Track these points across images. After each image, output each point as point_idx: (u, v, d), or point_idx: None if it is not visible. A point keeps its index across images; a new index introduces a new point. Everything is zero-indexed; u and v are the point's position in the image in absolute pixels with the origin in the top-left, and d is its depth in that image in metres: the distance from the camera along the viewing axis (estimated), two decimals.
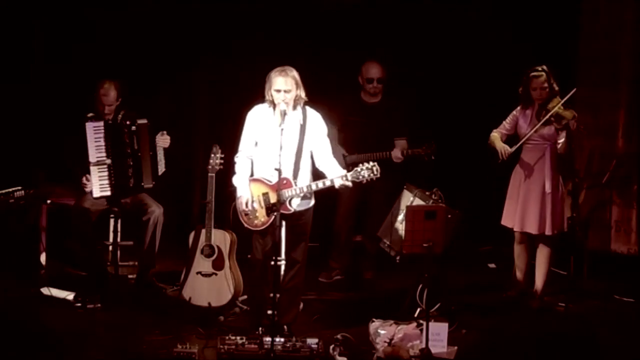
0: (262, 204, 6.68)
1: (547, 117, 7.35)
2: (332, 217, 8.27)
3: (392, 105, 8.04)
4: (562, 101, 7.35)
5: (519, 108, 7.60)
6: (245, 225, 6.77)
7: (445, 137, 9.06)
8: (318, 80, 8.01)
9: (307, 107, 6.72)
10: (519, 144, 7.46)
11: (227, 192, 7.50)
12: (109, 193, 7.67)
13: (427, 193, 7.33)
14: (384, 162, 7.69)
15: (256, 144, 6.74)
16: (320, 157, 6.72)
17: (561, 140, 7.44)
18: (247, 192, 6.68)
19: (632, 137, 8.74)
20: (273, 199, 6.62)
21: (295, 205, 6.66)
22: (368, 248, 8.23)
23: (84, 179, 7.63)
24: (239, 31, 9.14)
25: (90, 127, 7.64)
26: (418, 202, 7.32)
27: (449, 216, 6.91)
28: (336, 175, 6.61)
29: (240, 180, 6.74)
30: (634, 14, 8.68)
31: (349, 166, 7.70)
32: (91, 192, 7.63)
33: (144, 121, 7.71)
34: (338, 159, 6.95)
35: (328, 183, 6.61)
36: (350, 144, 8.05)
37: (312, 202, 6.76)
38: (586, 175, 8.71)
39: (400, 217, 7.35)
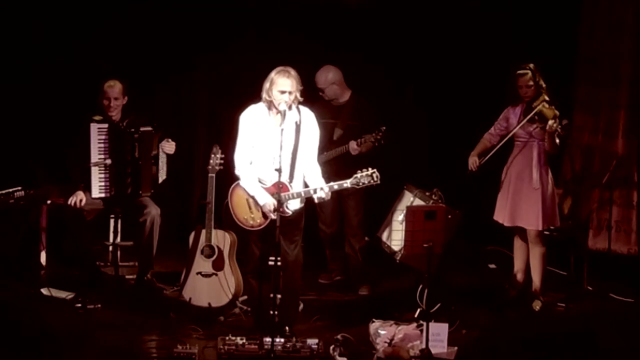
0: (258, 206, 6.68)
1: (530, 115, 7.39)
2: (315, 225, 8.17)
3: (359, 104, 8.01)
4: (544, 101, 7.37)
5: (508, 107, 7.66)
6: (239, 224, 6.77)
7: (446, 136, 9.09)
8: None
9: (301, 106, 6.72)
10: (491, 153, 7.53)
11: (226, 192, 7.50)
12: (107, 195, 7.66)
13: (427, 193, 7.33)
14: (348, 156, 7.78)
15: (252, 146, 6.73)
16: (305, 159, 6.70)
17: (547, 139, 7.46)
18: (269, 197, 6.61)
19: (632, 137, 8.74)
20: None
21: (292, 207, 6.66)
22: (352, 261, 8.09)
23: (71, 198, 7.60)
24: (239, 31, 9.14)
25: (94, 128, 7.64)
26: (418, 202, 7.32)
27: (449, 216, 6.91)
28: (316, 181, 6.62)
29: (254, 189, 6.66)
30: (634, 14, 8.68)
31: (322, 165, 7.69)
32: (90, 192, 7.63)
33: (148, 129, 7.69)
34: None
35: (327, 189, 6.57)
36: (324, 145, 8.05)
37: (303, 202, 6.75)
38: (584, 175, 8.72)
39: (400, 217, 7.34)
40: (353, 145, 7.81)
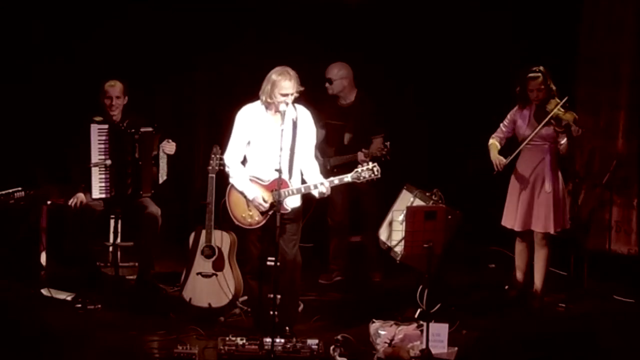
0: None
1: (547, 119, 7.36)
2: (324, 221, 8.30)
3: (364, 105, 8.10)
4: (560, 104, 7.35)
5: (515, 108, 7.61)
6: (237, 223, 6.77)
7: (446, 136, 9.09)
8: (317, 81, 8.08)
9: (297, 104, 6.72)
10: (517, 152, 7.47)
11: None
12: (107, 195, 7.65)
13: (427, 194, 7.32)
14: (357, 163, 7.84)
15: (249, 143, 6.73)
16: (303, 156, 6.71)
17: (563, 142, 7.44)
18: (257, 191, 6.65)
19: (632, 137, 8.74)
20: (268, 198, 6.62)
21: (290, 204, 6.66)
22: (369, 250, 8.25)
23: (71, 200, 7.60)
24: (239, 31, 9.15)
25: (94, 128, 7.63)
26: (418, 202, 7.31)
27: (449, 216, 6.91)
28: (314, 178, 6.64)
29: (243, 183, 6.69)
30: (634, 14, 8.68)
31: (333, 168, 7.79)
32: (90, 193, 7.62)
33: (149, 129, 7.69)
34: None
35: (327, 184, 6.60)
36: (332, 146, 8.11)
37: (301, 200, 6.76)
38: (586, 176, 8.71)
39: (400, 217, 7.34)
40: (361, 157, 7.93)
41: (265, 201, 6.61)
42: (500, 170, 7.51)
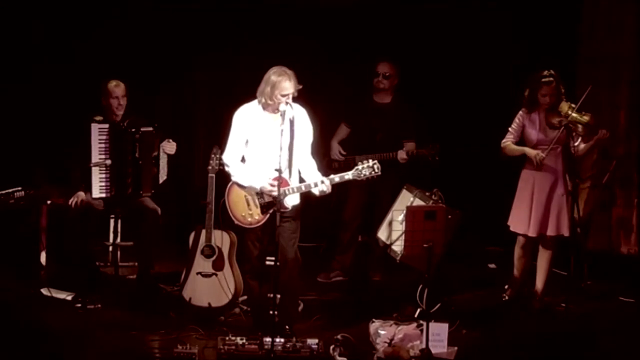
0: (257, 202, 6.68)
1: (566, 123, 7.26)
2: (337, 217, 8.33)
3: (401, 107, 8.15)
4: (578, 105, 7.29)
5: (521, 113, 7.50)
6: (237, 222, 6.77)
7: (446, 137, 9.09)
8: (325, 82, 8.07)
9: (293, 103, 6.69)
10: (547, 151, 7.35)
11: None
12: (107, 195, 7.65)
13: (427, 193, 7.32)
14: (391, 162, 7.91)
15: (247, 143, 6.73)
16: (301, 154, 6.71)
17: (578, 144, 7.39)
18: (264, 180, 6.62)
19: (632, 137, 8.74)
20: (267, 197, 6.62)
21: (290, 202, 6.66)
22: (375, 249, 8.24)
23: (71, 200, 7.60)
24: (239, 31, 9.15)
25: (95, 128, 7.62)
26: (418, 202, 7.31)
27: (449, 216, 6.91)
28: (312, 176, 6.64)
29: (248, 177, 6.67)
30: (634, 14, 8.69)
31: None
32: (90, 192, 7.62)
33: (149, 129, 7.69)
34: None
35: (327, 182, 6.60)
36: (360, 143, 8.12)
37: (300, 199, 6.76)
38: (587, 176, 8.71)
39: (400, 217, 7.34)
40: (402, 155, 7.98)
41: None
42: (540, 165, 7.38)
